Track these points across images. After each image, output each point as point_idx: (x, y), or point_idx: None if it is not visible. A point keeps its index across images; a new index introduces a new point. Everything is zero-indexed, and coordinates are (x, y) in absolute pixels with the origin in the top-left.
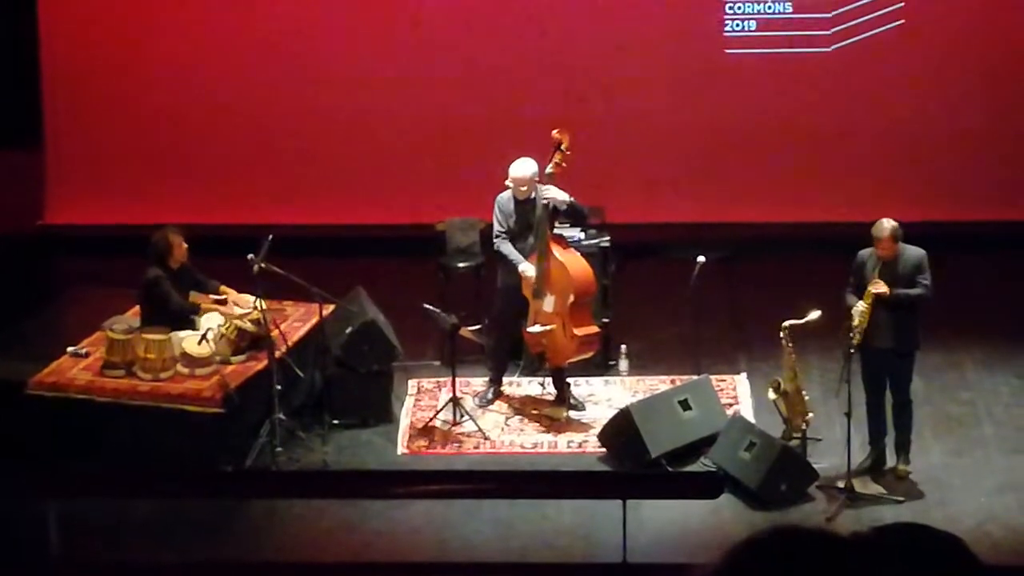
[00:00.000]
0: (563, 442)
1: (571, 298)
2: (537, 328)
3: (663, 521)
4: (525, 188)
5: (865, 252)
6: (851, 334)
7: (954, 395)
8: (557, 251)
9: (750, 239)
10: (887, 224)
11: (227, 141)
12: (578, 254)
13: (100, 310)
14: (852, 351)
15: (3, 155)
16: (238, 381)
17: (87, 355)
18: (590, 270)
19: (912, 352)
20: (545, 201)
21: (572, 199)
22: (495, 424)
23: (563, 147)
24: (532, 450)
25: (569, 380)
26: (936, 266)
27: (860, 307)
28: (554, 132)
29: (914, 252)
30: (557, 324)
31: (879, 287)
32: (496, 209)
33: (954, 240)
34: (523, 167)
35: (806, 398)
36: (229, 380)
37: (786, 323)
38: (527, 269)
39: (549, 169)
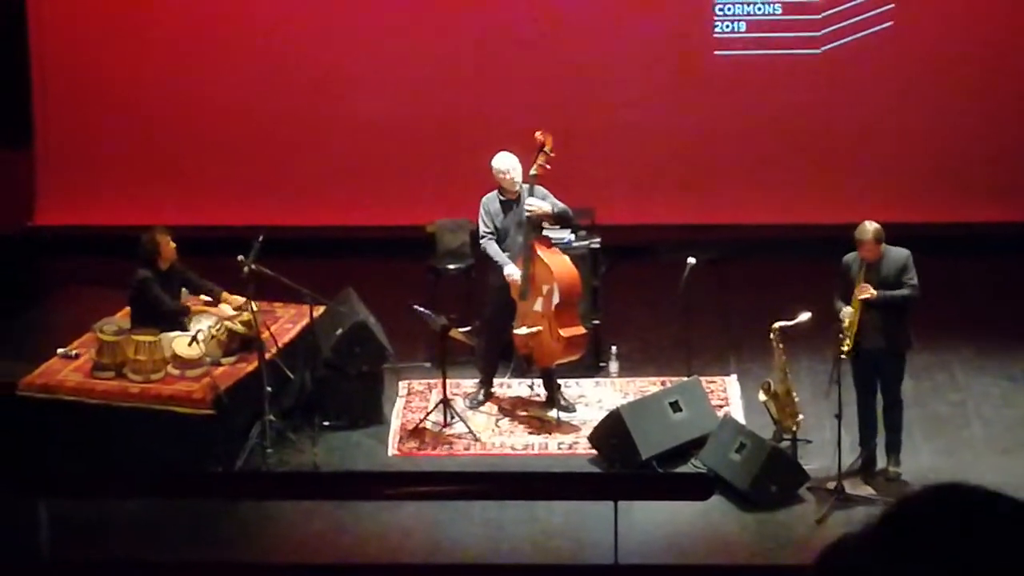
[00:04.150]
0: (554, 444)
1: (557, 299)
2: (524, 330)
3: (654, 523)
4: (510, 177)
5: (850, 256)
6: (841, 337)
7: (944, 396)
8: (542, 252)
9: (740, 240)
10: (869, 226)
11: (217, 142)
12: (564, 255)
13: (90, 311)
14: (843, 356)
15: None
16: (228, 383)
17: (77, 356)
18: (575, 271)
19: (903, 353)
20: (528, 213)
21: (557, 208)
22: (486, 426)
23: (546, 148)
24: (523, 452)
25: (559, 381)
26: (927, 267)
27: (848, 312)
28: (537, 133)
29: (898, 253)
30: (544, 326)
31: (865, 292)
32: (482, 210)
33: (945, 241)
34: (506, 156)
35: (796, 399)
36: (219, 382)
37: (776, 324)
38: (512, 272)
39: (533, 171)
